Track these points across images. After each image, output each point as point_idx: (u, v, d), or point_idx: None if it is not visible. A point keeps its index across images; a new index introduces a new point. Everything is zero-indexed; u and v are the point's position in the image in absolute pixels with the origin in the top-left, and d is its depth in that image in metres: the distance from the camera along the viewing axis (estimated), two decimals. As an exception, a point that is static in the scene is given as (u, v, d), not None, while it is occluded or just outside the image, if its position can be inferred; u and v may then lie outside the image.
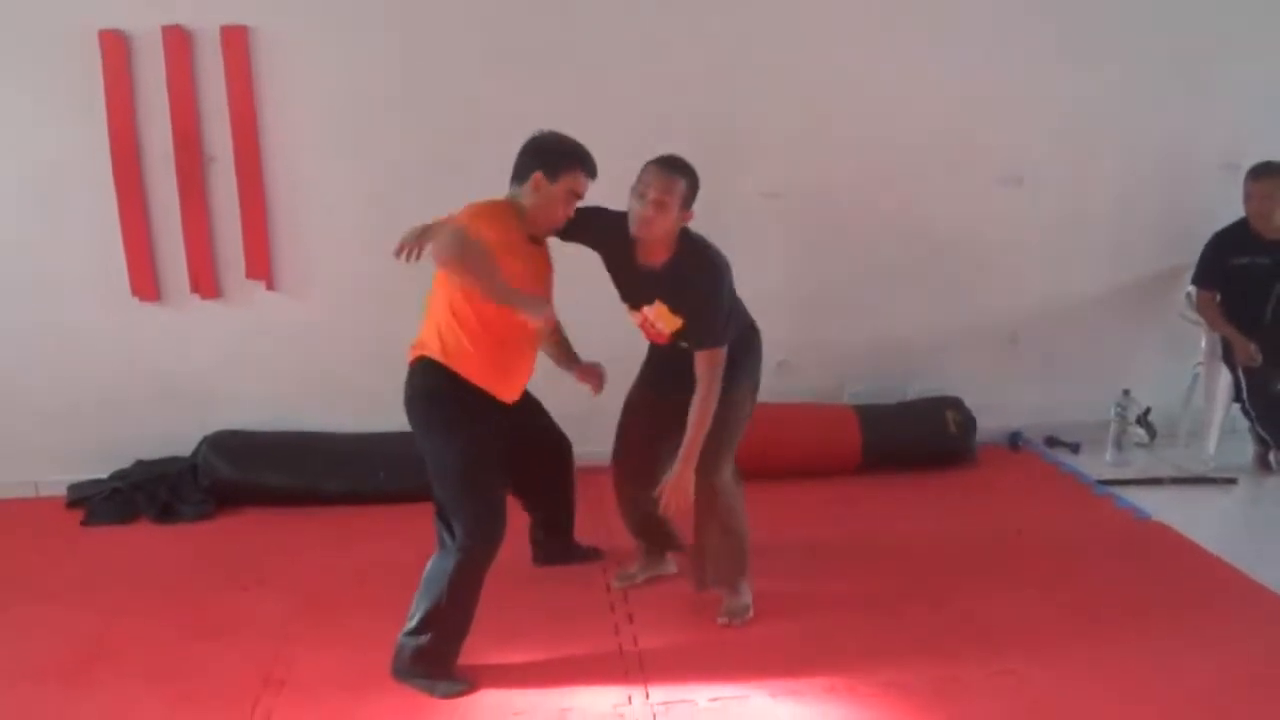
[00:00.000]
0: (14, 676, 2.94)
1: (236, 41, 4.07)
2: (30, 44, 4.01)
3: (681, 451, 2.95)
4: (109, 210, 4.14)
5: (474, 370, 2.89)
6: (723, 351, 2.97)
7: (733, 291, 3.07)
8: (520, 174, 2.95)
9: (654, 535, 3.43)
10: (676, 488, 2.97)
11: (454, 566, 2.83)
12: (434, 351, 2.91)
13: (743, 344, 3.13)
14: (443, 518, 2.91)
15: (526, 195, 2.93)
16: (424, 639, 2.84)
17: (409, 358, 2.98)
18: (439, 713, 2.73)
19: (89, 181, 4.10)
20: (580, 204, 3.02)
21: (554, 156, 2.92)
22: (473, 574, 2.86)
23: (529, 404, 3.20)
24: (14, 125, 4.08)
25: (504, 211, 2.93)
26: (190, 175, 4.16)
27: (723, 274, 3.01)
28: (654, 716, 2.70)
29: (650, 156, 2.95)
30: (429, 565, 2.91)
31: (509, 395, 3.00)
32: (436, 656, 2.85)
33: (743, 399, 3.15)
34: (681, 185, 2.89)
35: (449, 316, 2.90)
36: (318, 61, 4.16)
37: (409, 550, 3.71)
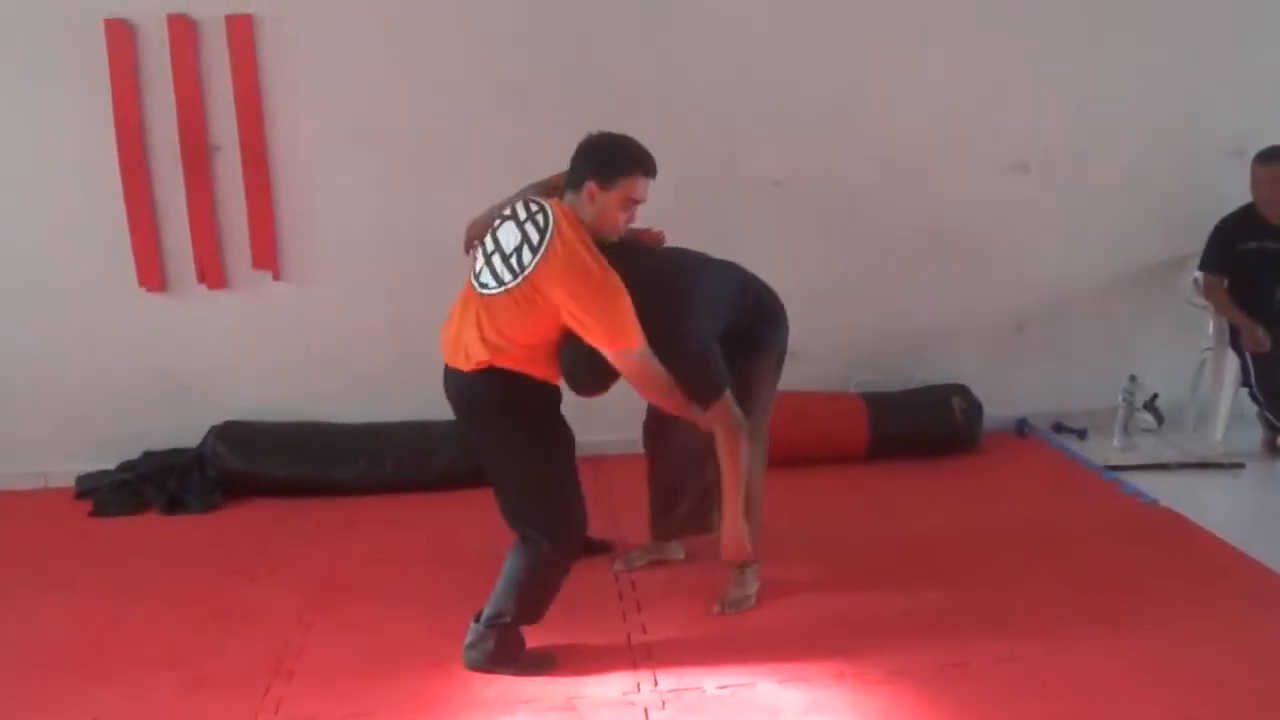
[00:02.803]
0: (26, 664, 2.96)
1: (242, 30, 4.07)
2: (36, 33, 4.00)
3: (724, 500, 2.95)
4: (115, 200, 4.13)
5: (542, 367, 2.79)
6: (725, 402, 2.83)
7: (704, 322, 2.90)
8: (575, 182, 2.78)
9: (683, 514, 3.41)
10: (728, 536, 2.99)
11: (542, 566, 2.84)
12: (506, 360, 2.75)
13: (761, 314, 3.11)
14: (522, 519, 2.87)
15: (583, 206, 2.76)
16: (505, 627, 2.84)
17: (458, 364, 2.83)
18: (448, 701, 2.74)
19: (95, 172, 4.10)
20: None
21: (607, 162, 2.75)
22: (560, 574, 2.90)
23: None
24: (19, 114, 4.07)
25: (583, 228, 2.75)
26: (196, 165, 4.16)
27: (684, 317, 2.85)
28: (662, 704, 2.71)
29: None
30: (514, 559, 2.87)
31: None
32: (518, 643, 2.88)
33: (763, 369, 3.10)
34: None
35: (519, 347, 2.76)
36: (323, 50, 4.15)
37: (417, 539, 3.75)
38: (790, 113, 4.42)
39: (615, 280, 2.65)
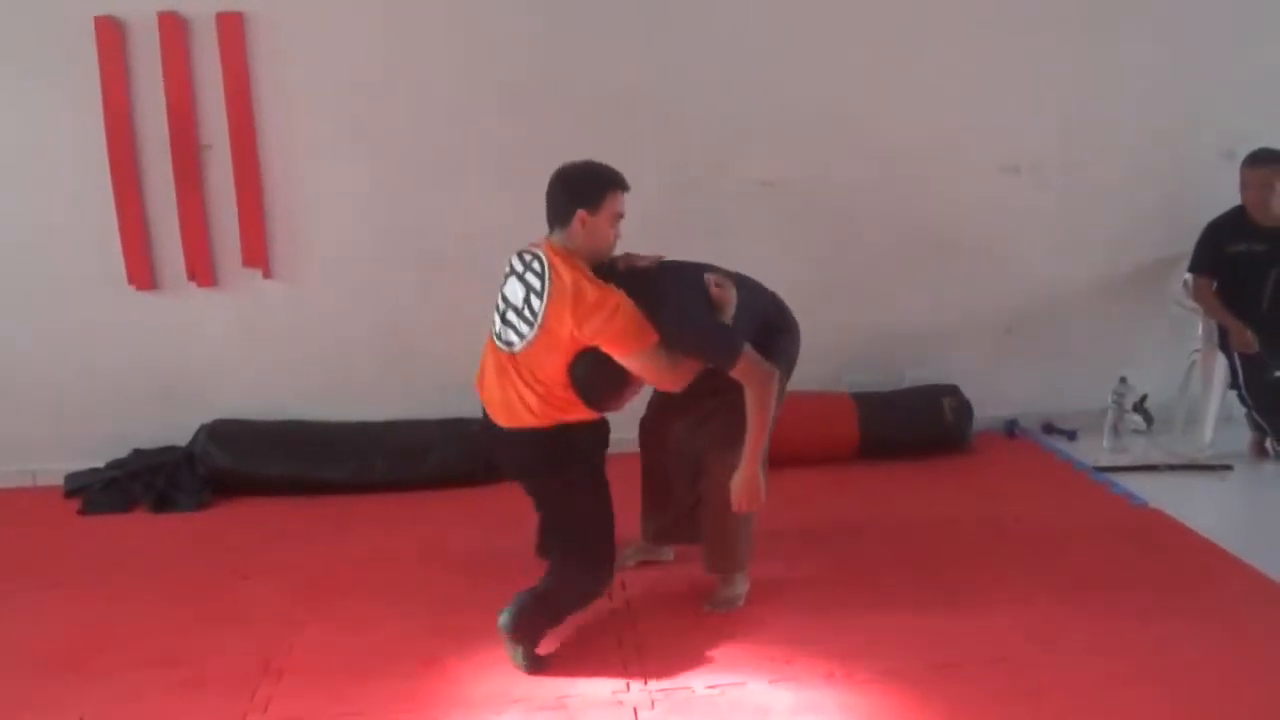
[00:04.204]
0: (13, 663, 2.94)
1: (233, 28, 4.06)
2: (26, 30, 3.99)
3: (745, 450, 2.96)
4: (105, 198, 4.12)
5: (582, 410, 2.92)
6: (747, 358, 2.90)
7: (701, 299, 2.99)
8: (561, 217, 2.89)
9: (671, 519, 3.42)
10: (744, 487, 2.99)
11: (575, 592, 2.99)
12: (554, 410, 2.88)
13: (784, 323, 3.19)
14: (565, 557, 3.02)
15: (575, 236, 2.88)
16: (531, 612, 2.89)
17: (512, 423, 2.92)
18: (438, 699, 2.74)
19: (85, 170, 4.09)
20: None
21: (589, 188, 2.88)
22: (588, 600, 3.02)
23: None
24: (9, 112, 4.06)
25: (576, 258, 2.88)
26: (186, 163, 4.15)
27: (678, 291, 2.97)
28: (652, 704, 2.71)
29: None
30: (554, 574, 2.99)
31: None
32: (539, 629, 2.92)
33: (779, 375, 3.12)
34: None
35: (561, 388, 2.87)
36: (315, 48, 4.14)
37: (408, 539, 3.75)
38: (783, 114, 4.42)
39: (613, 292, 2.81)
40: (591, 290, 2.79)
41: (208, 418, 4.28)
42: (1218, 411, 4.56)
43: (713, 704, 2.71)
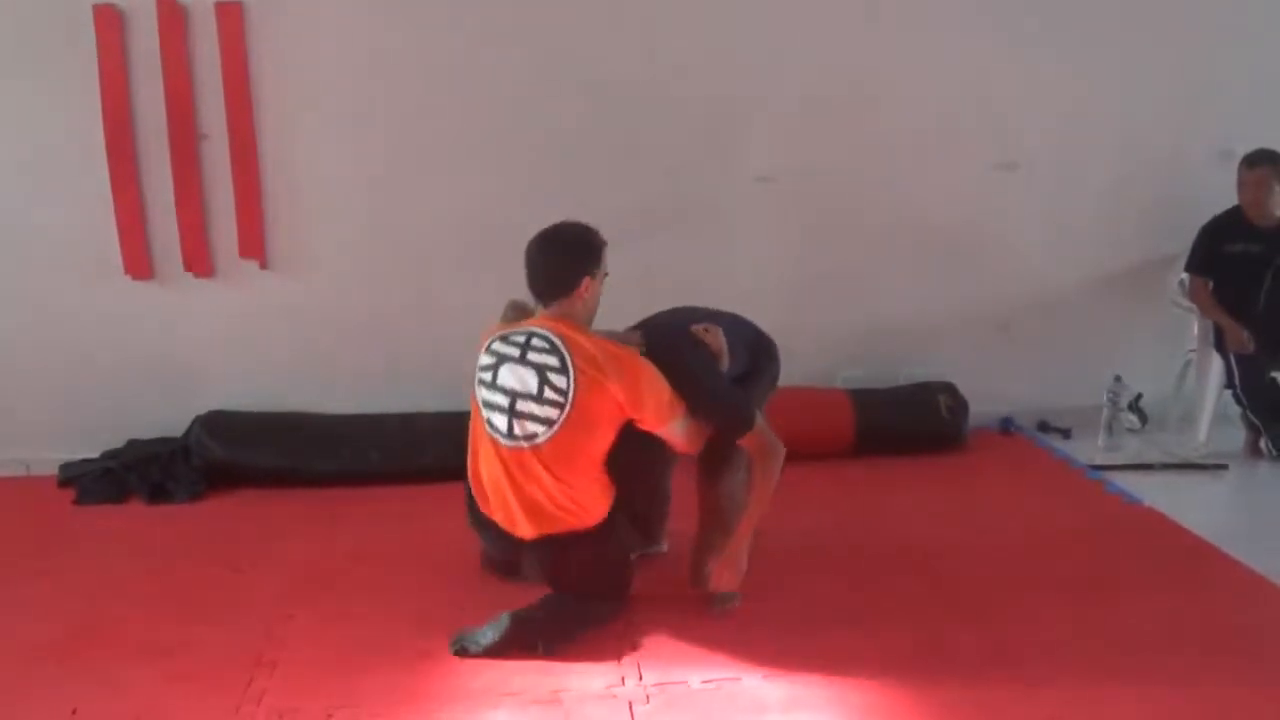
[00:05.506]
0: (5, 653, 2.93)
1: (231, 17, 4.05)
2: (24, 18, 3.98)
3: (738, 525, 2.93)
4: (102, 188, 4.11)
5: (610, 495, 2.85)
6: (759, 430, 2.88)
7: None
8: (566, 286, 2.78)
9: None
10: (728, 564, 2.95)
11: (590, 618, 2.91)
12: (584, 504, 2.79)
13: (763, 347, 3.22)
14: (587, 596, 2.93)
15: (580, 301, 2.78)
16: (546, 620, 2.86)
17: (538, 532, 2.82)
18: (432, 692, 2.73)
19: (82, 159, 4.08)
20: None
21: (594, 252, 2.82)
22: (597, 628, 2.93)
23: None
24: (7, 101, 4.05)
25: (583, 326, 2.81)
26: (184, 153, 4.14)
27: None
28: (647, 698, 2.70)
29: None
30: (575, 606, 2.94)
31: None
32: (549, 636, 2.86)
33: (761, 395, 3.18)
34: None
35: (596, 470, 2.79)
36: (313, 37, 4.14)
37: (402, 531, 3.75)
38: (779, 110, 4.42)
39: (639, 357, 2.72)
40: (624, 354, 2.68)
41: (203, 408, 4.27)
42: (1213, 411, 4.56)
43: (708, 699, 2.71)
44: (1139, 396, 4.75)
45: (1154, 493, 4.04)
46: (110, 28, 4.00)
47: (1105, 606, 3.17)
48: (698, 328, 2.96)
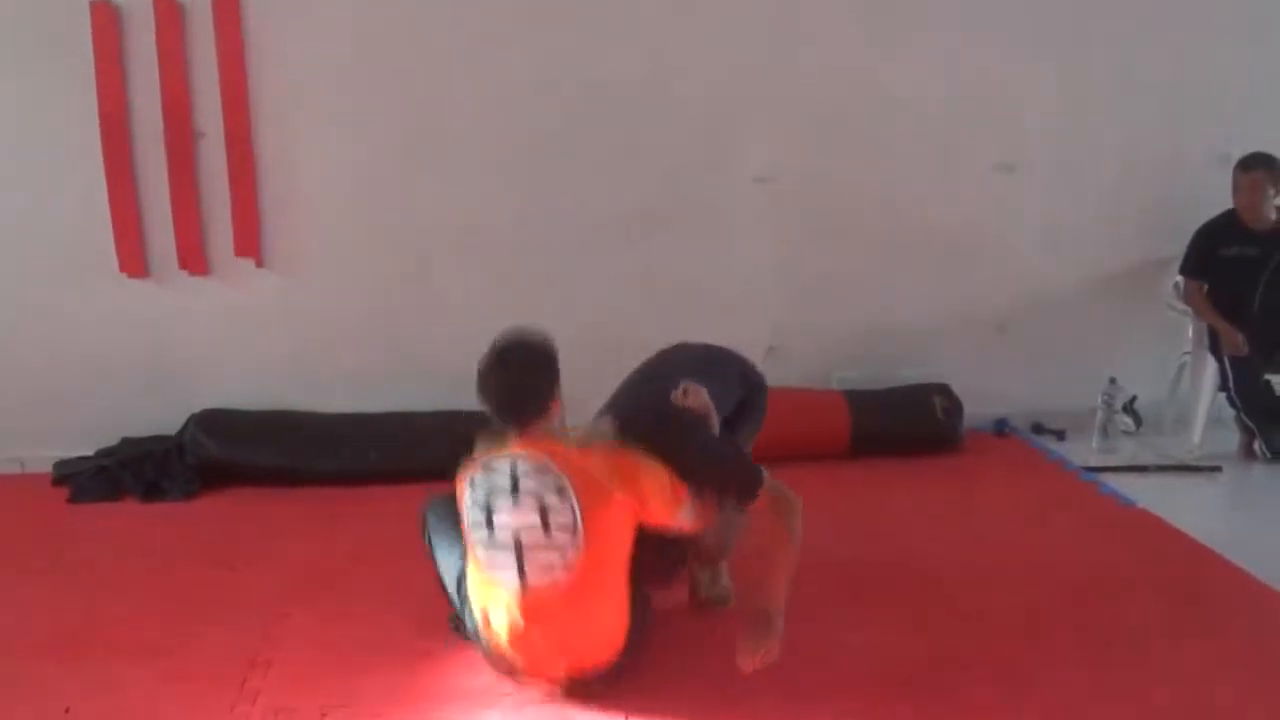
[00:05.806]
0: (0, 652, 2.92)
1: (228, 14, 4.04)
2: (20, 15, 3.97)
3: (775, 590, 2.69)
4: (97, 185, 4.10)
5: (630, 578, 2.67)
6: (768, 489, 2.74)
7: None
8: (539, 409, 2.55)
9: None
10: (770, 639, 2.64)
11: None
12: (621, 621, 2.63)
13: (752, 383, 3.19)
14: None
15: (552, 422, 2.60)
16: None
17: (568, 673, 2.63)
18: (427, 692, 2.73)
19: (77, 156, 4.07)
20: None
21: (554, 368, 2.60)
22: None
23: None
24: (2, 97, 4.04)
25: (564, 439, 2.64)
26: (180, 150, 4.13)
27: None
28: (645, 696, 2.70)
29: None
30: None
31: None
32: None
33: (751, 432, 3.17)
34: None
35: (620, 588, 2.62)
36: (310, 35, 4.14)
37: (400, 531, 3.71)
38: (777, 112, 4.42)
39: (630, 453, 2.57)
40: (619, 456, 2.54)
41: (198, 406, 4.26)
42: (1207, 413, 4.57)
43: (705, 700, 2.70)
44: (1134, 399, 4.76)
45: (1148, 495, 4.04)
46: (107, 25, 3.99)
47: (1099, 608, 3.18)
48: (676, 394, 2.82)
